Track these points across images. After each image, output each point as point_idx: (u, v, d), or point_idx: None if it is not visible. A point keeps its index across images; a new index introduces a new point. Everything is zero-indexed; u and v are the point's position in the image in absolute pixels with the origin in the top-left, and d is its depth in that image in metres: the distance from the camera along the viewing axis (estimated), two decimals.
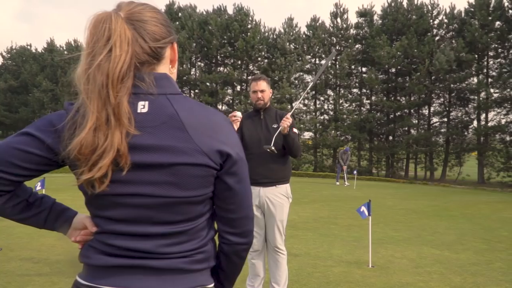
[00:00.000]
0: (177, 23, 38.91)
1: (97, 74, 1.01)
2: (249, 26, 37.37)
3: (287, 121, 3.57)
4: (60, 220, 1.19)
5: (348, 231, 8.00)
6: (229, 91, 39.07)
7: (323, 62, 36.03)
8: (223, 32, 37.02)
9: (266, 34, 38.29)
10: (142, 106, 1.06)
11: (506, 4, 29.88)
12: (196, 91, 38.79)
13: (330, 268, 5.34)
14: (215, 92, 36.85)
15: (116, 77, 1.01)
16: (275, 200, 3.75)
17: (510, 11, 29.76)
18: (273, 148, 3.56)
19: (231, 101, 39.05)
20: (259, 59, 38.11)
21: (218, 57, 38.47)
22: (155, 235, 1.09)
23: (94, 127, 1.00)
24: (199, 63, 40.08)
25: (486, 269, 5.61)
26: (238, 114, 3.53)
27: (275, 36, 37.93)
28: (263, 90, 3.73)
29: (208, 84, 37.03)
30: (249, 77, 38.45)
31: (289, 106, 33.58)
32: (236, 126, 3.50)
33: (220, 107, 38.57)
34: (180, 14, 40.21)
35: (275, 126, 3.72)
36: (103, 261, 1.09)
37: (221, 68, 39.06)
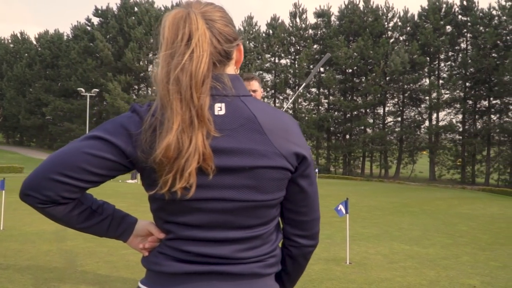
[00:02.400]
0: (133, 18, 37.99)
1: (181, 75, 0.97)
2: None
3: None
4: (122, 227, 1.13)
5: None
6: None
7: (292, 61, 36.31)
8: None
9: None
10: (219, 108, 1.03)
11: (456, 9, 31.44)
12: (154, 88, 38.20)
13: (310, 266, 5.40)
14: None
15: (199, 78, 0.98)
16: None
17: (460, 16, 31.33)
18: None
19: None
20: None
21: None
22: (232, 240, 1.06)
23: (180, 129, 0.96)
24: (157, 59, 39.49)
25: (456, 263, 5.87)
26: None
27: None
28: (255, 90, 3.69)
29: None
30: None
31: None
32: None
33: None
34: (136, 9, 39.27)
35: None
36: (177, 268, 1.05)
37: None
